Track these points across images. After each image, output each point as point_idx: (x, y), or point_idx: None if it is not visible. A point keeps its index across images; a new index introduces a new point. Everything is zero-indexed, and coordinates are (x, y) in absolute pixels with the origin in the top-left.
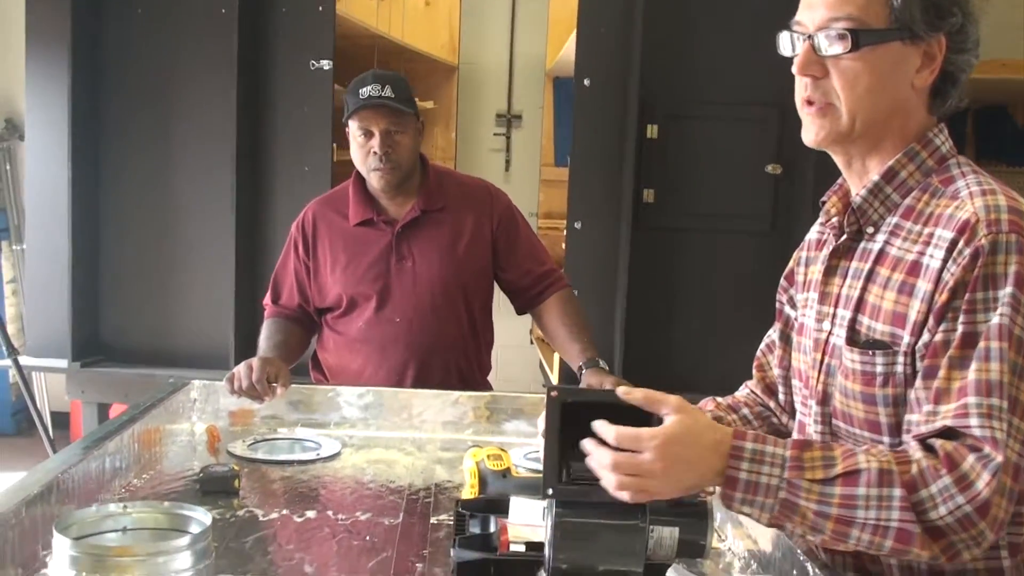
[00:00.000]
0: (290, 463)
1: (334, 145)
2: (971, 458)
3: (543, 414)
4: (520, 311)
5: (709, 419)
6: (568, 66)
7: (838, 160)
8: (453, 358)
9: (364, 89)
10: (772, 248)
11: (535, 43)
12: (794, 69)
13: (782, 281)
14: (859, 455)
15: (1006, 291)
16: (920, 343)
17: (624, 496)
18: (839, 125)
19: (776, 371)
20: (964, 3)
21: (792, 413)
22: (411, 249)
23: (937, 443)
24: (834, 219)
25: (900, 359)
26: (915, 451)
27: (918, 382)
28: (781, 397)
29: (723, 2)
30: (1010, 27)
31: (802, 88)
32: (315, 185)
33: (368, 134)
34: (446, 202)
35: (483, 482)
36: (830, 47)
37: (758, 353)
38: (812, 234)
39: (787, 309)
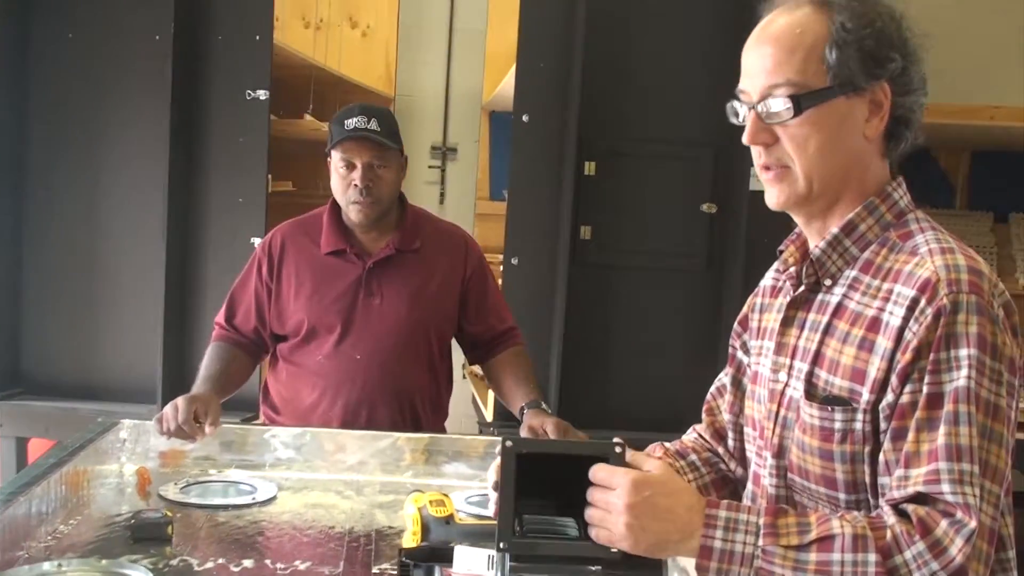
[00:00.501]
0: (225, 507)
1: (269, 176)
2: (944, 523)
3: (494, 464)
4: (472, 362)
5: (689, 485)
6: (505, 101)
7: (799, 220)
8: (409, 401)
9: (350, 120)
10: (707, 286)
11: (472, 77)
12: (744, 139)
13: (735, 326)
14: (833, 520)
15: (970, 352)
16: (884, 403)
17: (593, 533)
18: (797, 188)
19: (726, 416)
20: (902, 45)
21: (741, 460)
22: (380, 286)
23: (910, 508)
24: (791, 268)
25: (859, 416)
26: (889, 516)
27: (887, 444)
28: (731, 443)
29: (662, 41)
30: (932, 72)
31: (756, 155)
32: (249, 217)
33: (350, 166)
34: (421, 244)
35: (426, 529)
36: (774, 114)
37: (708, 396)
38: (767, 280)
39: (740, 354)
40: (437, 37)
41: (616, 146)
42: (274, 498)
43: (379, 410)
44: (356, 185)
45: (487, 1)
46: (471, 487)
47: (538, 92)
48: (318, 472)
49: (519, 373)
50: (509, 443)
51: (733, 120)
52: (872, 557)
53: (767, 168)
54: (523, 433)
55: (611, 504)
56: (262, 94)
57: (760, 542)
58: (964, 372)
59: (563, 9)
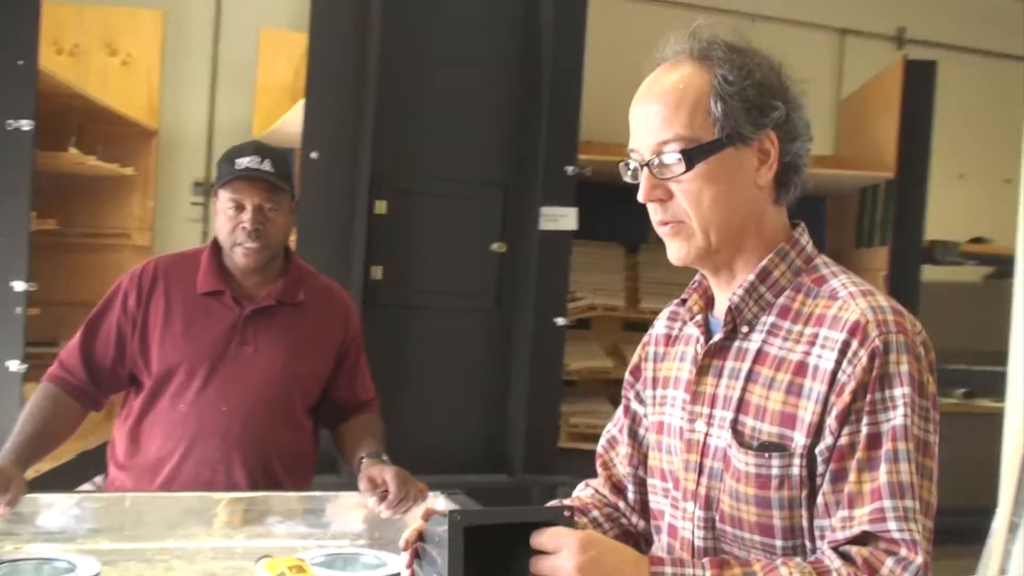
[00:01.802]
0: None
1: (33, 214)
2: (889, 562)
3: (409, 529)
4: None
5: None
6: (284, 137)
7: (706, 272)
8: (270, 460)
9: (241, 159)
10: (498, 325)
11: (241, 111)
12: (640, 198)
13: (627, 376)
14: (781, 569)
15: (903, 391)
16: (822, 446)
17: None
18: (696, 242)
19: (625, 469)
20: (783, 92)
21: (643, 513)
22: (256, 336)
23: (853, 550)
24: (698, 317)
25: (796, 461)
26: (833, 560)
27: (826, 486)
28: (631, 496)
29: (453, 80)
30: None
31: (652, 211)
32: (11, 258)
33: (239, 207)
34: (304, 299)
35: None
36: (666, 171)
37: (599, 450)
38: (660, 329)
39: (634, 405)
40: (201, 68)
41: (407, 184)
42: (98, 575)
43: (237, 468)
44: (245, 227)
45: (256, 34)
46: (308, 546)
47: (328, 129)
48: (138, 541)
49: (366, 431)
50: (457, 516)
51: (626, 179)
52: None
53: (665, 223)
54: (362, 484)
55: (559, 568)
56: (25, 124)
57: None
58: (900, 411)
59: (354, 46)
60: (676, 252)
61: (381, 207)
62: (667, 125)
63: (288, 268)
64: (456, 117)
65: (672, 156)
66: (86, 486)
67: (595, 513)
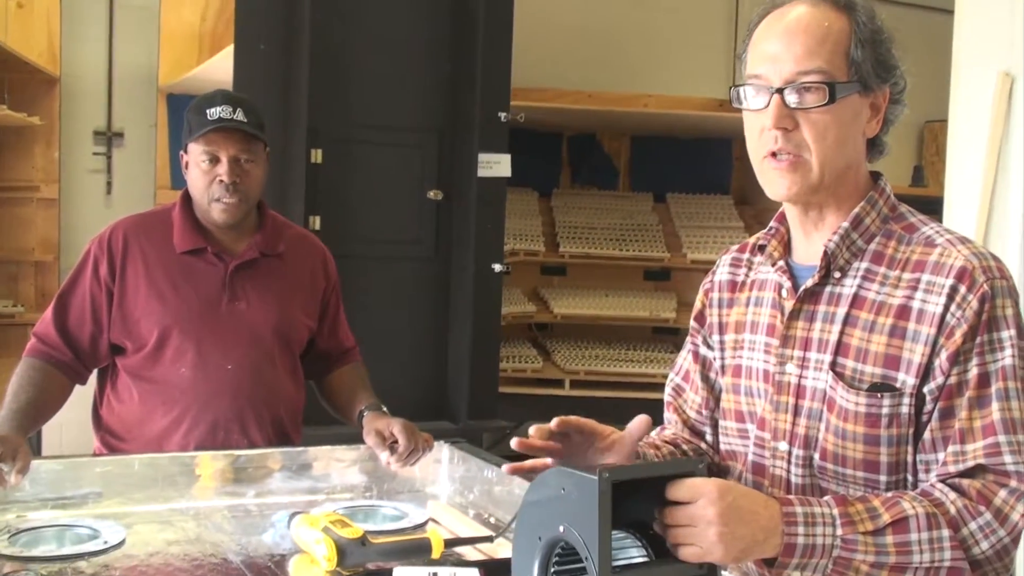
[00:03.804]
0: (72, 558)
1: None
2: (1003, 493)
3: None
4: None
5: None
6: (201, 84)
7: (795, 211)
8: (280, 415)
9: (212, 110)
10: (436, 273)
11: (143, 56)
12: (766, 121)
13: (692, 322)
14: (902, 502)
15: (1010, 333)
16: (932, 385)
17: (681, 552)
18: (810, 177)
19: (700, 414)
20: (898, 58)
21: (718, 453)
22: (246, 290)
23: (964, 483)
24: (780, 263)
25: (906, 400)
26: (946, 492)
27: (934, 423)
28: (710, 439)
29: (386, 27)
30: (593, 61)
31: (770, 141)
32: None
33: (215, 160)
34: (284, 249)
35: (342, 553)
36: (803, 100)
37: (667, 398)
38: (722, 275)
39: (703, 350)
40: (100, 12)
41: (342, 133)
42: (124, 540)
43: (251, 426)
44: (222, 180)
45: None
46: (318, 500)
47: (259, 76)
48: (151, 503)
49: (356, 382)
50: (606, 474)
51: (735, 103)
52: (946, 532)
53: (776, 156)
54: (369, 438)
55: (697, 516)
56: None
57: (839, 532)
58: (1008, 352)
59: None
60: (784, 185)
61: (317, 156)
62: (811, 57)
63: (264, 220)
64: (388, 63)
65: (812, 87)
66: None
67: (684, 447)
